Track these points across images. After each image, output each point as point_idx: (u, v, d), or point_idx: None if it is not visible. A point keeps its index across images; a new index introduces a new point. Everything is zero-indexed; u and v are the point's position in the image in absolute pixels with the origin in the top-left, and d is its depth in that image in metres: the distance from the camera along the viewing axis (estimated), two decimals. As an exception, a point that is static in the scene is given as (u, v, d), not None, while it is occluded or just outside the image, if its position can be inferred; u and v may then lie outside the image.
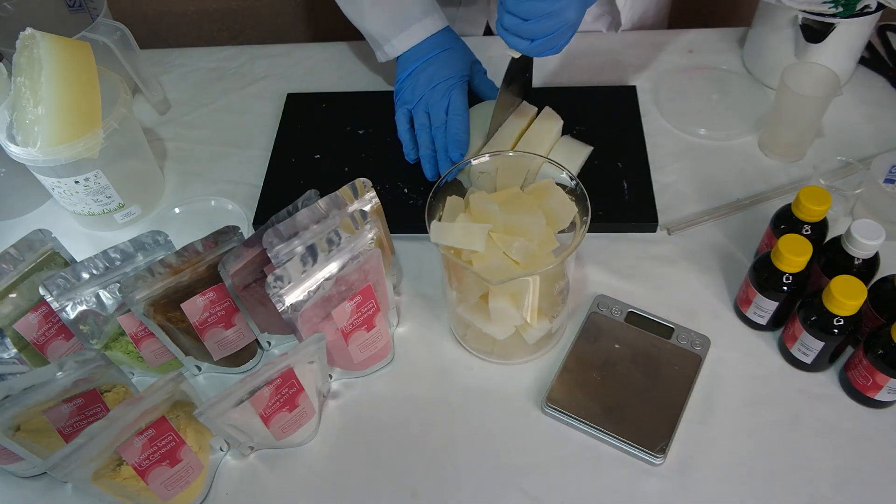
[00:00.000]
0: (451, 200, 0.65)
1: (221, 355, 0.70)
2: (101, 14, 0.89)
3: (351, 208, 0.67)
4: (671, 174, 0.85)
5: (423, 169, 0.84)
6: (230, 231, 0.66)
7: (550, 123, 0.84)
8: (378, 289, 0.65)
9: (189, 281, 0.65)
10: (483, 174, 0.71)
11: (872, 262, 0.67)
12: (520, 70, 0.82)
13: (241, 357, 0.72)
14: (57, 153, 0.73)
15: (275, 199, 0.85)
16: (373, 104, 0.94)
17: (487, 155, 0.68)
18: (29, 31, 0.73)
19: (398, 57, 0.90)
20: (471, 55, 0.91)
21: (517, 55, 0.75)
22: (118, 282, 0.65)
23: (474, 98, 0.89)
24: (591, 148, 0.84)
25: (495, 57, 0.96)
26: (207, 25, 1.48)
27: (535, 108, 0.86)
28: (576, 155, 0.84)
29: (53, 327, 0.67)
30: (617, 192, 0.82)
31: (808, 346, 0.65)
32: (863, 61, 0.95)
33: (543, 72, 0.99)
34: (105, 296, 0.66)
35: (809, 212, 0.67)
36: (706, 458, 0.64)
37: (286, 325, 0.61)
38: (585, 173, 0.84)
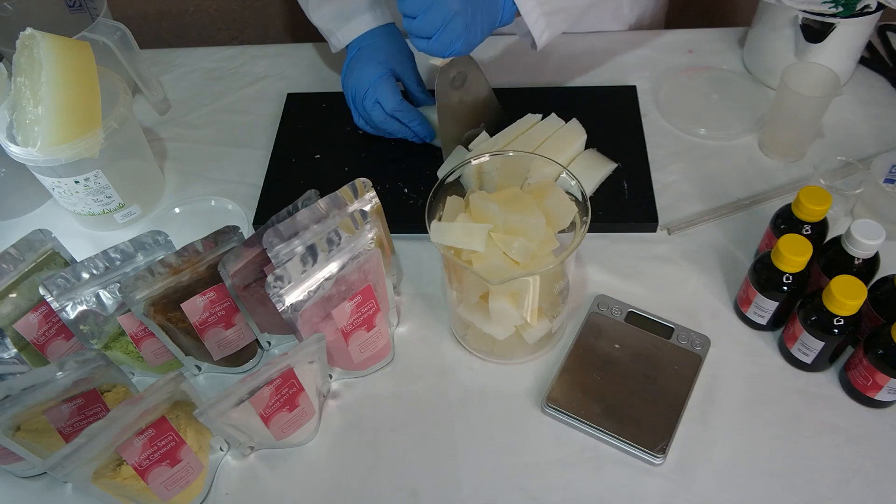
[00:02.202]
0: (451, 200, 0.65)
1: (221, 355, 0.70)
2: (101, 14, 0.89)
3: (351, 208, 0.67)
4: (671, 174, 0.85)
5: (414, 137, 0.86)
6: (230, 231, 0.66)
7: (572, 135, 0.83)
8: (378, 289, 0.65)
9: (189, 281, 0.65)
10: (484, 174, 0.71)
11: (872, 262, 0.67)
12: (458, 81, 0.80)
13: (241, 357, 0.72)
14: (57, 153, 0.73)
15: (275, 199, 0.85)
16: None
17: (487, 155, 0.68)
18: (29, 31, 0.73)
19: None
20: (401, 51, 0.88)
21: (439, 63, 0.74)
22: (118, 282, 0.65)
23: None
24: (615, 165, 0.83)
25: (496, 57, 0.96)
26: (207, 25, 1.48)
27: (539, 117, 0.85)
28: (596, 170, 0.82)
29: (53, 327, 0.67)
30: (617, 192, 0.82)
31: (808, 345, 0.65)
32: (863, 61, 0.94)
33: (544, 72, 0.99)
34: (105, 296, 0.66)
35: (809, 212, 0.67)
36: (706, 458, 0.64)
37: (286, 325, 0.61)
38: (585, 173, 0.84)
